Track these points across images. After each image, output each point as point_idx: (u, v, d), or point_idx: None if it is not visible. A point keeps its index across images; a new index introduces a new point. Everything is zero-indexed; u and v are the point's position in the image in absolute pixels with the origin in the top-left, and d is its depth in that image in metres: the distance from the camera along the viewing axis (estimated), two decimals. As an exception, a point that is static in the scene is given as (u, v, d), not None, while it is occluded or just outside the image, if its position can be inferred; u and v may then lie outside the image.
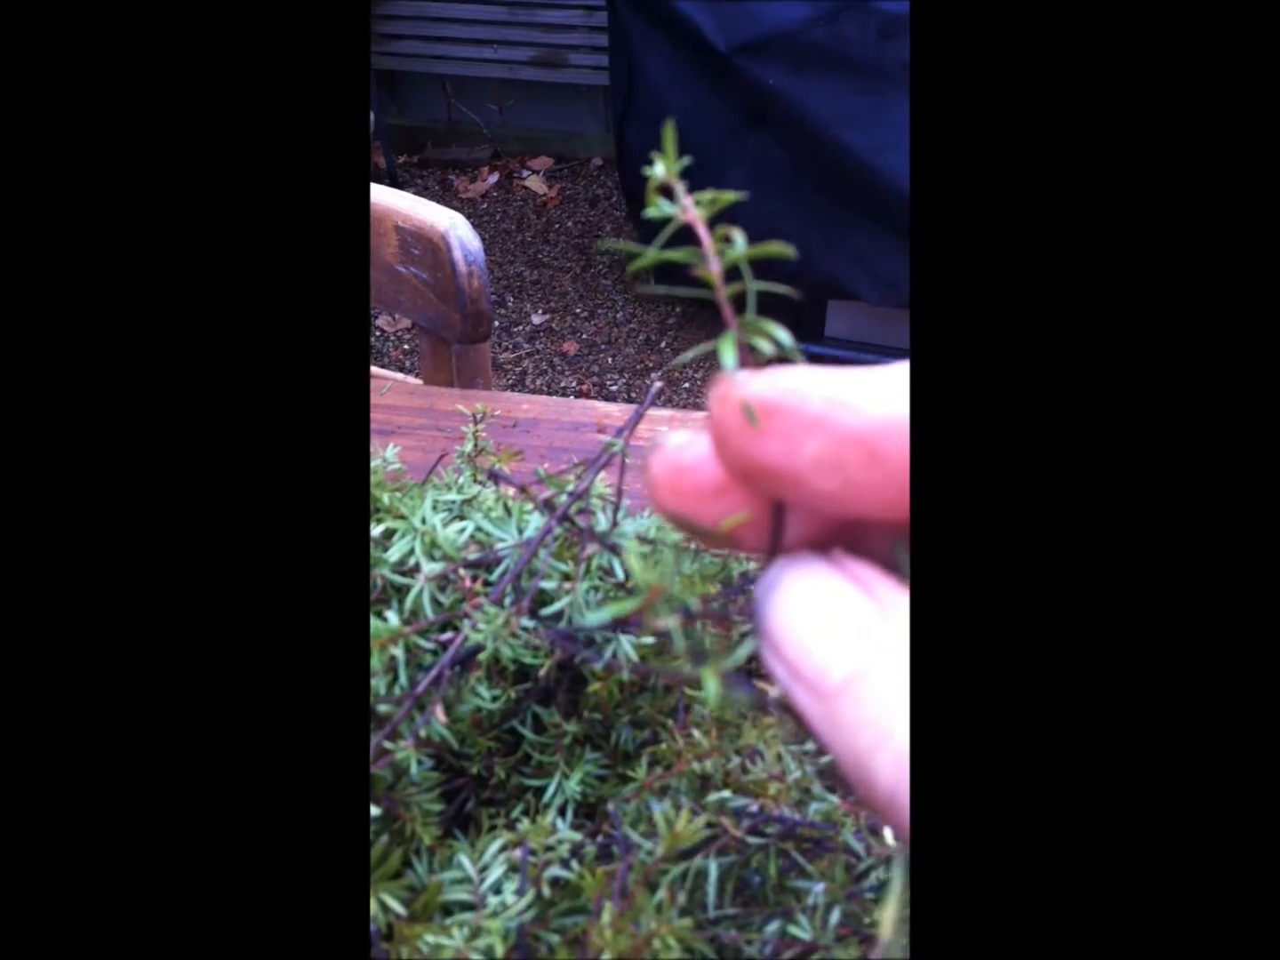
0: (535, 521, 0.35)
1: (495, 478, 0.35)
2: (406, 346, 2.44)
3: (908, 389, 0.19)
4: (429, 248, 0.76)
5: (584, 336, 2.50)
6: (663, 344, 2.46)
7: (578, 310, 2.57)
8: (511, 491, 0.37)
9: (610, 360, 2.43)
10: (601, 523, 0.34)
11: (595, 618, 0.28)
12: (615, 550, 0.33)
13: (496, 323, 2.52)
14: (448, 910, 0.29)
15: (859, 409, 0.18)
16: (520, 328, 2.52)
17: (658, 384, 0.32)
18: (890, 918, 0.18)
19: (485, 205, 2.91)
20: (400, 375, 0.85)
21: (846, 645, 0.17)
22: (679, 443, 0.21)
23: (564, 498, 0.32)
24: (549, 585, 0.32)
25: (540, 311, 2.57)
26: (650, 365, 2.40)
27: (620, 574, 0.33)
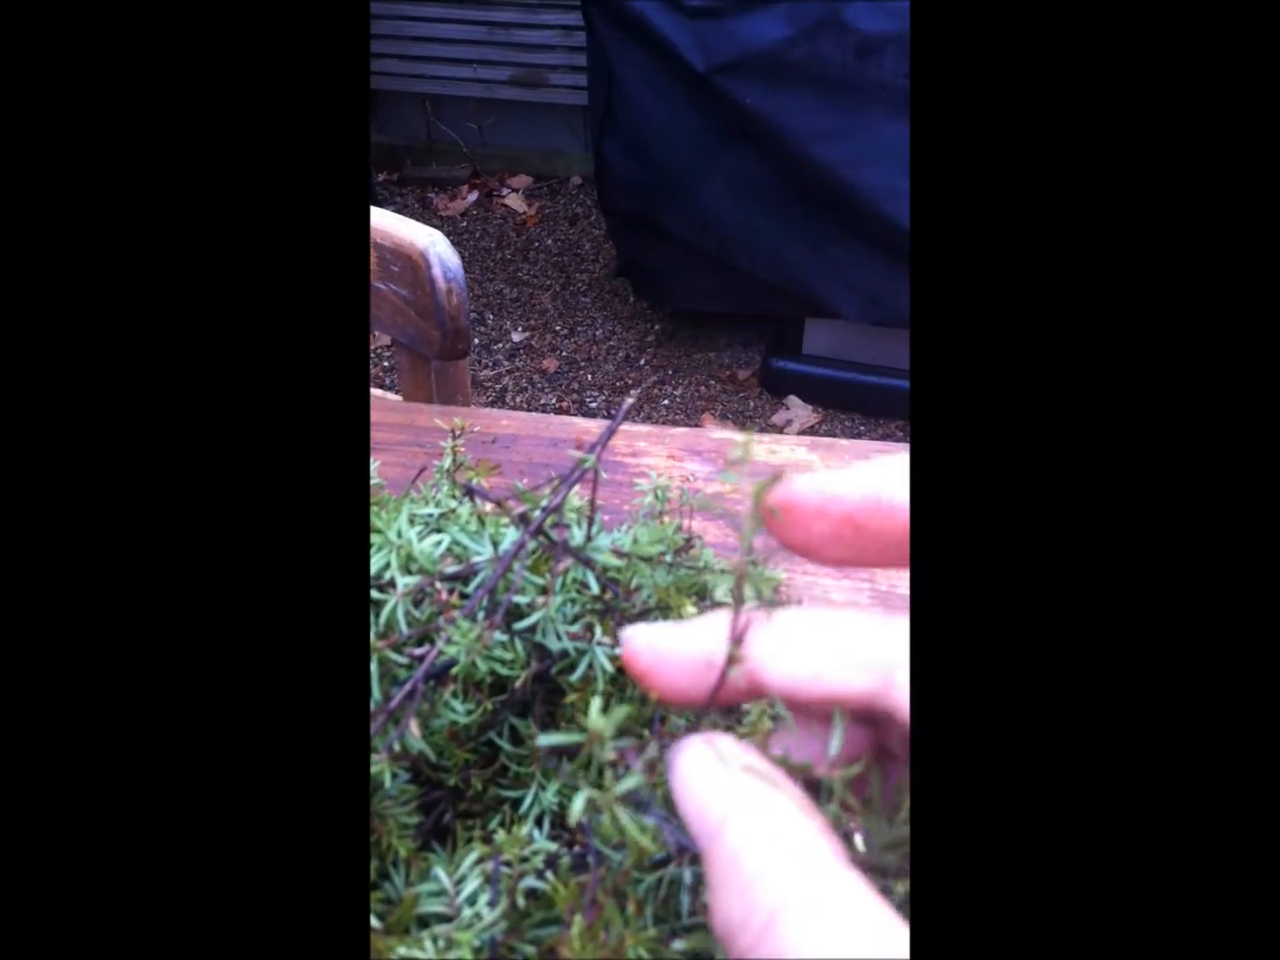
0: (511, 535, 0.35)
1: (471, 493, 0.35)
2: (387, 363, 2.44)
3: (877, 475, 0.25)
4: (408, 265, 0.76)
5: (564, 354, 2.50)
6: (642, 361, 2.47)
7: (557, 328, 2.57)
8: (488, 506, 0.37)
9: (590, 377, 2.44)
10: (576, 536, 0.34)
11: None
12: (590, 564, 0.33)
13: (476, 340, 2.52)
14: (424, 923, 0.29)
15: (843, 498, 0.25)
16: (500, 345, 2.53)
17: (629, 400, 0.33)
18: None
19: (465, 223, 2.92)
20: (380, 392, 0.86)
21: (714, 800, 0.23)
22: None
23: (538, 512, 0.32)
24: (523, 599, 0.32)
25: (520, 329, 2.57)
26: (630, 382, 2.41)
27: (595, 588, 0.34)
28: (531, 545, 0.34)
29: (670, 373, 2.44)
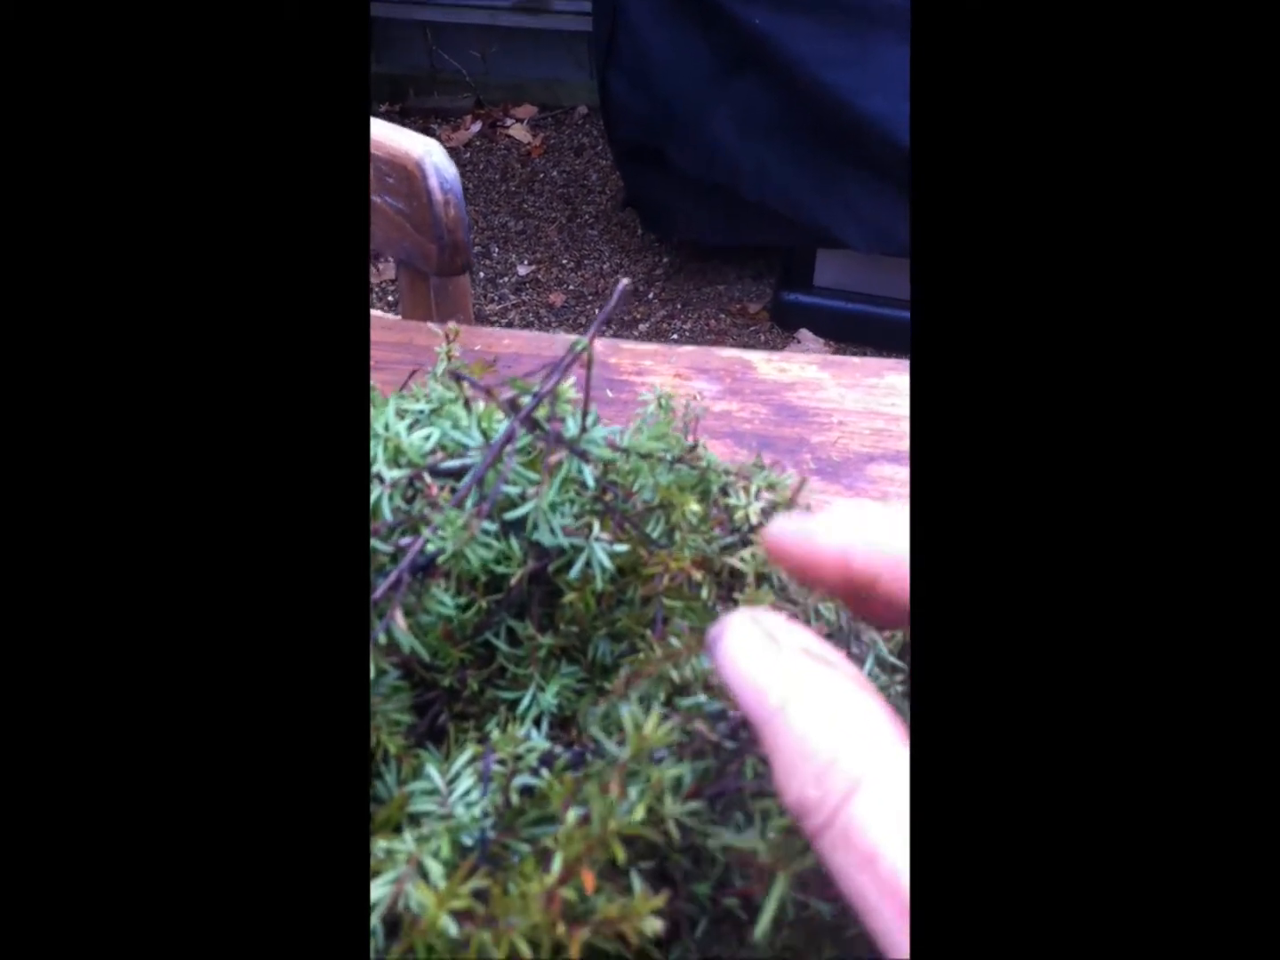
0: (504, 428, 0.33)
1: (459, 379, 0.33)
2: (391, 299, 2.41)
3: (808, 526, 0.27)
4: (403, 176, 0.74)
5: (570, 288, 2.47)
6: (650, 295, 2.44)
7: (564, 261, 2.54)
8: (480, 405, 0.36)
9: (597, 311, 2.41)
10: (570, 428, 0.33)
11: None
12: (584, 456, 0.32)
13: (481, 274, 2.49)
14: (416, 822, 0.28)
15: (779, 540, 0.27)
16: (506, 279, 2.49)
17: (625, 281, 0.31)
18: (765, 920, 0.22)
19: (468, 154, 2.86)
20: (378, 313, 0.83)
21: (770, 679, 0.22)
22: None
23: (529, 399, 0.30)
24: (514, 490, 0.30)
25: (526, 262, 2.54)
26: (638, 317, 2.38)
27: (590, 482, 0.32)
28: (526, 440, 0.33)
29: (679, 306, 2.41)
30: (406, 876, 0.24)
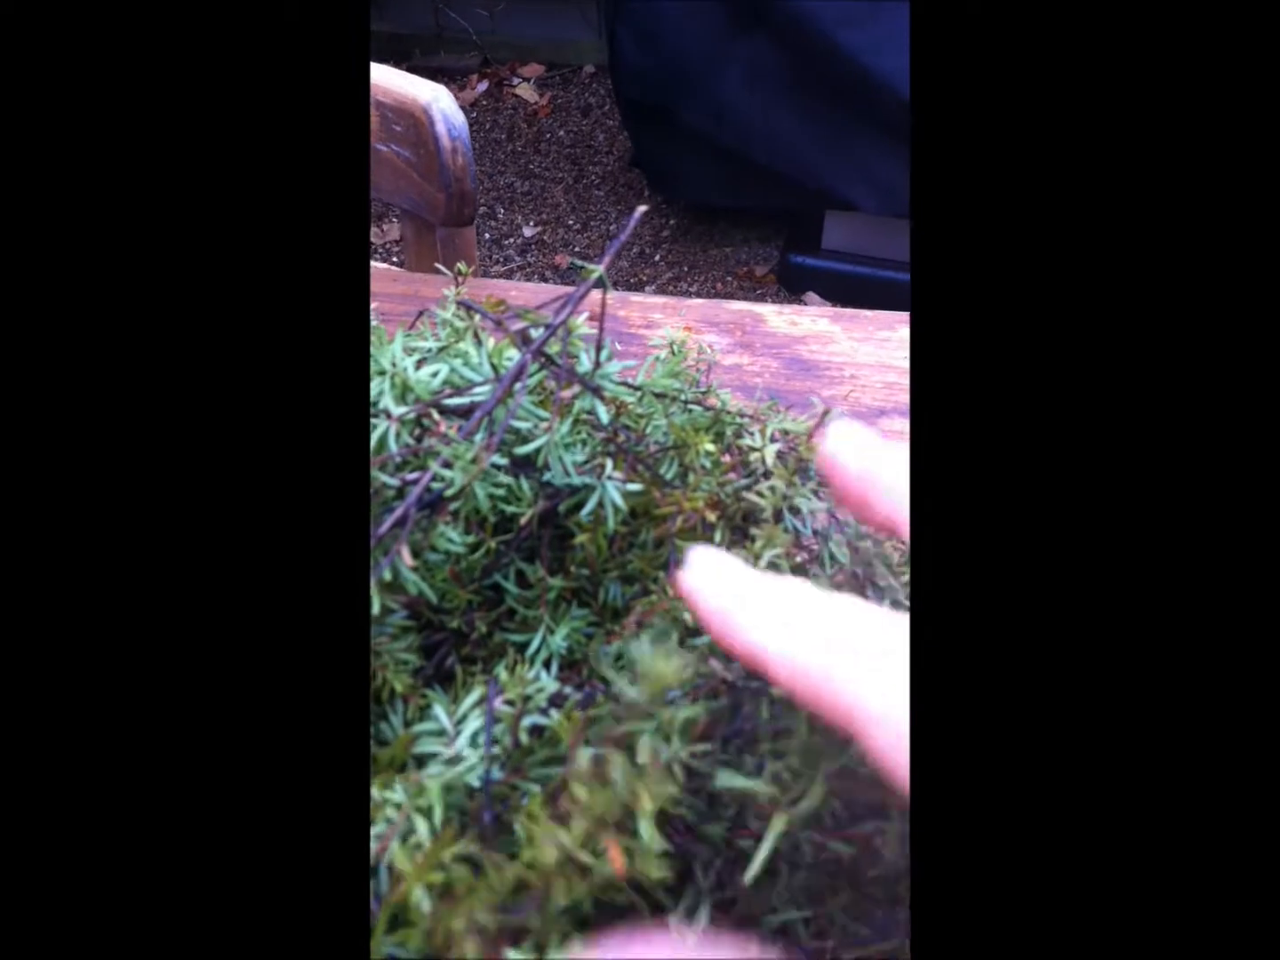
0: (515, 362, 0.32)
1: (469, 308, 0.32)
2: (396, 260, 2.39)
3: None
4: (411, 123, 0.72)
5: (576, 249, 2.45)
6: (656, 257, 2.41)
7: (570, 222, 2.51)
8: (491, 342, 0.35)
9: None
10: (584, 363, 0.32)
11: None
12: (597, 391, 0.31)
13: (487, 235, 2.46)
14: (422, 764, 0.28)
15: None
16: (511, 240, 2.47)
17: (641, 207, 0.30)
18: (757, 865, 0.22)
19: (474, 114, 2.83)
20: (383, 265, 0.82)
21: (724, 590, 0.24)
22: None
23: (541, 330, 0.29)
24: (525, 424, 0.30)
25: (531, 223, 2.51)
26: (644, 279, 2.36)
27: (603, 418, 0.31)
28: (538, 376, 0.32)
29: (686, 269, 2.38)
30: (392, 833, 0.23)
